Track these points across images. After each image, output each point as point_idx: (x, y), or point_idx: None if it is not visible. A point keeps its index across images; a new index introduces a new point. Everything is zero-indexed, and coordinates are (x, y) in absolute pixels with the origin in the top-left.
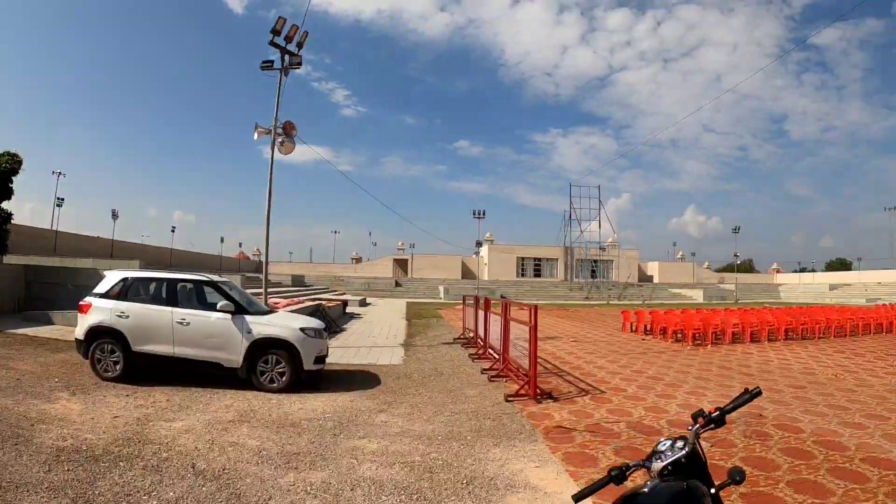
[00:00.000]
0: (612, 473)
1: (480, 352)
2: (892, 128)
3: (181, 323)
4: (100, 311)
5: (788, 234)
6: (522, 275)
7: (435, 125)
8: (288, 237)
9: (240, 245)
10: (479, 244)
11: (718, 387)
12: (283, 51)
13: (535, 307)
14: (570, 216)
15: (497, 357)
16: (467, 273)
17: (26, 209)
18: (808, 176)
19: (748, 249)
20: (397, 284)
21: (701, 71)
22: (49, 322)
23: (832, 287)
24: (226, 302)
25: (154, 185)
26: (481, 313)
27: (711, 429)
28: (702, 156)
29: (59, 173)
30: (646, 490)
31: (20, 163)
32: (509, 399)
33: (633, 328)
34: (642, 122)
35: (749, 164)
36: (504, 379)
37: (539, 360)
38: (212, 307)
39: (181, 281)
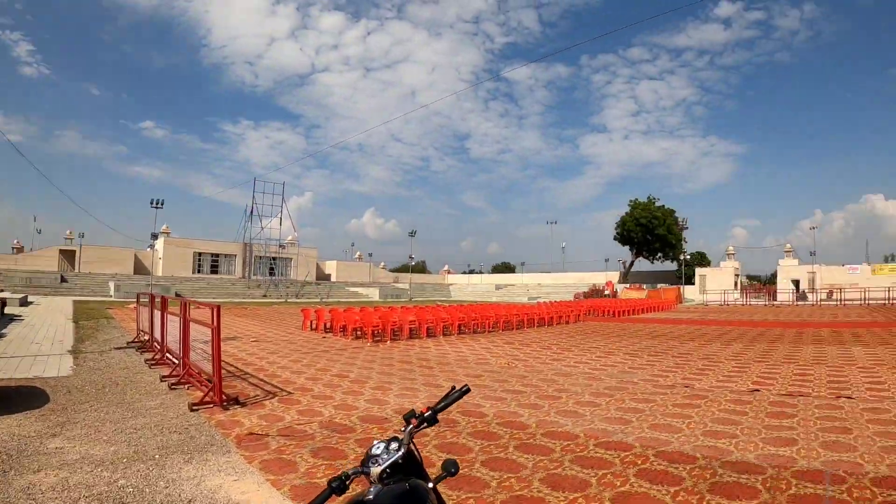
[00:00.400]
0: (333, 485)
1: (158, 357)
2: (559, 156)
3: None
4: None
5: (459, 240)
6: (199, 271)
7: (121, 100)
8: None
9: None
10: (154, 236)
11: (402, 380)
12: None
13: (218, 307)
14: (253, 212)
15: (177, 362)
16: (141, 268)
17: None
18: (482, 189)
19: (422, 252)
20: (63, 280)
21: (399, 84)
22: None
23: (498, 287)
24: None
25: None
26: (158, 314)
27: (424, 428)
28: (387, 162)
29: None
30: (371, 496)
31: None
32: (194, 408)
33: (314, 326)
34: (334, 125)
35: (430, 174)
36: (186, 386)
37: (221, 363)
38: None
39: None
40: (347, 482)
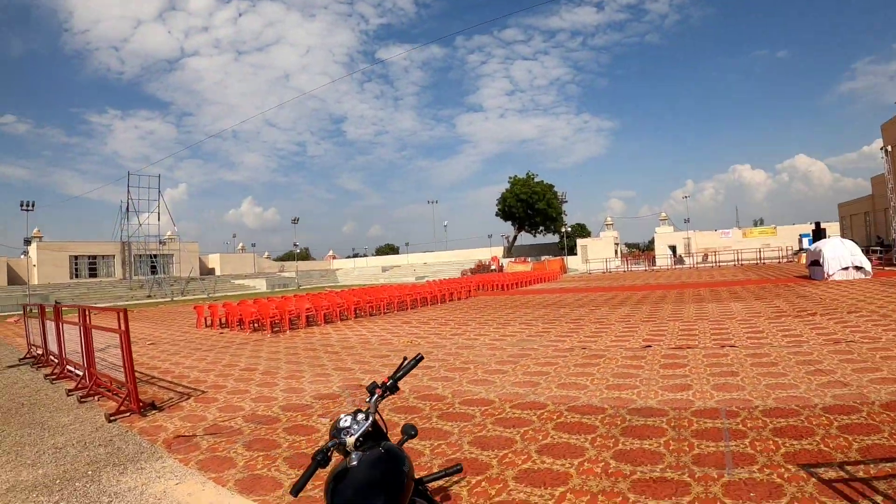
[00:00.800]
0: (318, 458)
1: (58, 371)
2: (436, 136)
3: None
4: None
5: (341, 224)
6: (77, 275)
7: None
8: None
9: None
10: (27, 242)
11: (311, 368)
12: None
13: (125, 311)
14: (128, 208)
15: (81, 374)
16: (14, 278)
17: None
18: (360, 172)
19: (305, 239)
20: None
21: (272, 67)
22: None
23: (384, 269)
24: None
25: None
26: (51, 325)
27: (387, 396)
28: (262, 149)
29: None
30: (354, 462)
31: None
32: (112, 418)
33: (208, 323)
34: (206, 111)
35: (307, 159)
36: (96, 397)
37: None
38: None
39: None
40: (329, 454)
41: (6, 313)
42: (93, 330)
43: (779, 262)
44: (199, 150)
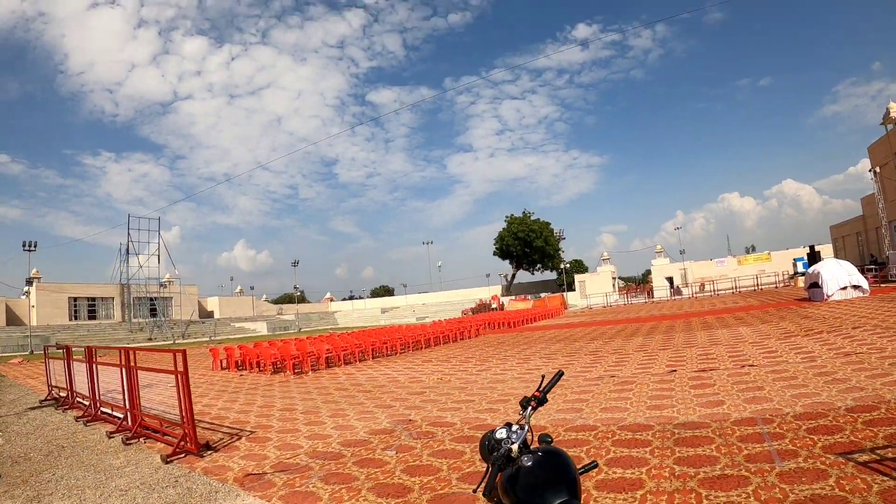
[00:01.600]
0: (498, 463)
1: (90, 413)
2: (427, 177)
3: None
4: None
5: (334, 267)
6: (76, 317)
7: None
8: None
9: None
10: (29, 282)
11: (350, 406)
12: None
13: (184, 352)
14: (128, 250)
15: (120, 416)
16: (13, 318)
17: None
18: (353, 214)
19: (298, 281)
20: None
21: (264, 111)
22: None
23: (384, 310)
24: None
25: None
26: (82, 367)
27: (537, 408)
28: (254, 192)
29: None
30: (528, 463)
31: None
32: (169, 460)
33: (224, 365)
34: (199, 155)
35: (299, 202)
36: (141, 440)
37: (162, 410)
38: None
39: None
40: (506, 458)
41: (7, 354)
42: (138, 371)
43: (776, 287)
44: (192, 194)
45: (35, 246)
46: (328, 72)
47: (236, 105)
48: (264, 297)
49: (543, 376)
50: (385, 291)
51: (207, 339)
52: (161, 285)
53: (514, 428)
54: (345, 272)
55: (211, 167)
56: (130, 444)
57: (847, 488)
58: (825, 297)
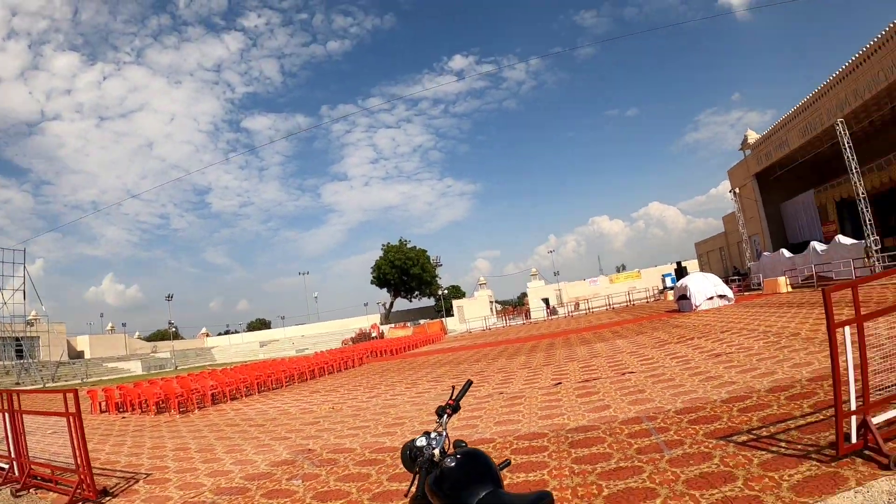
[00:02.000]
0: (425, 467)
1: None
2: (301, 206)
3: None
4: None
5: (207, 300)
6: None
7: None
8: None
9: None
10: None
11: (245, 441)
12: None
13: (75, 392)
14: None
15: (5, 467)
16: None
17: None
18: (226, 245)
19: (172, 316)
20: None
21: (135, 135)
22: None
23: (262, 344)
24: None
25: None
26: None
27: (452, 415)
28: (123, 222)
29: None
30: (452, 463)
31: None
32: None
33: (103, 408)
34: (66, 180)
35: (170, 232)
36: (31, 490)
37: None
38: None
39: None
40: (430, 463)
41: None
42: (23, 415)
43: (647, 302)
44: (57, 223)
45: None
46: (203, 95)
47: (106, 128)
48: (137, 333)
49: (454, 386)
50: (262, 324)
51: (80, 381)
52: (28, 323)
53: (433, 435)
54: (219, 306)
55: (77, 194)
56: (20, 495)
57: (731, 464)
58: (694, 307)
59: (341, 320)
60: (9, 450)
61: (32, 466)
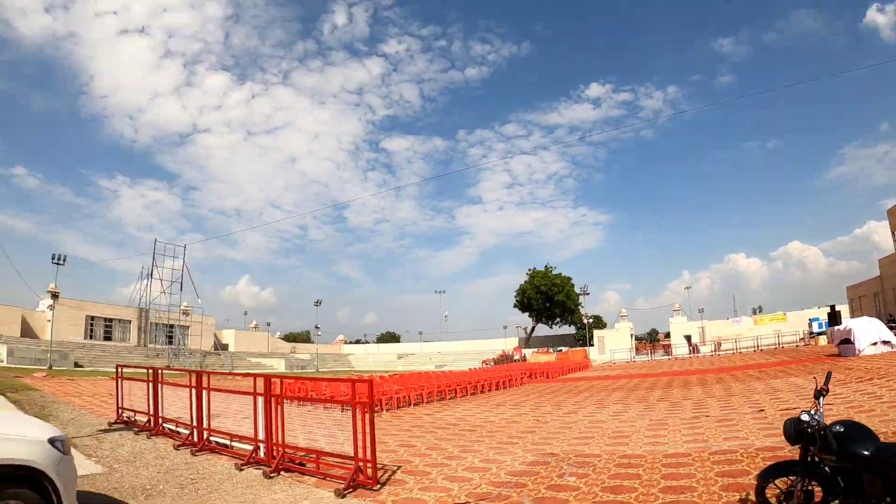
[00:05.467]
0: (820, 432)
1: (197, 442)
2: (435, 227)
3: None
4: None
5: (335, 310)
6: (92, 336)
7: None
8: None
9: None
10: (55, 296)
11: (474, 443)
12: None
13: (370, 381)
14: (151, 275)
15: (247, 448)
16: (28, 331)
17: None
18: (359, 259)
19: (299, 321)
20: None
21: (279, 150)
22: None
23: (400, 356)
24: None
25: None
26: (183, 391)
27: (825, 396)
28: (263, 229)
29: None
30: (841, 429)
31: None
32: (345, 493)
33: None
34: (212, 188)
35: (307, 242)
36: (282, 473)
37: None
38: None
39: None
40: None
41: (25, 367)
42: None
43: (797, 346)
44: (201, 225)
45: (64, 260)
46: (345, 116)
47: (253, 142)
48: (278, 334)
49: (830, 372)
50: (391, 337)
51: (228, 371)
52: (184, 313)
53: (813, 412)
54: (346, 316)
55: (223, 201)
56: (272, 477)
57: None
58: (857, 351)
59: (475, 340)
60: (256, 432)
61: (287, 450)
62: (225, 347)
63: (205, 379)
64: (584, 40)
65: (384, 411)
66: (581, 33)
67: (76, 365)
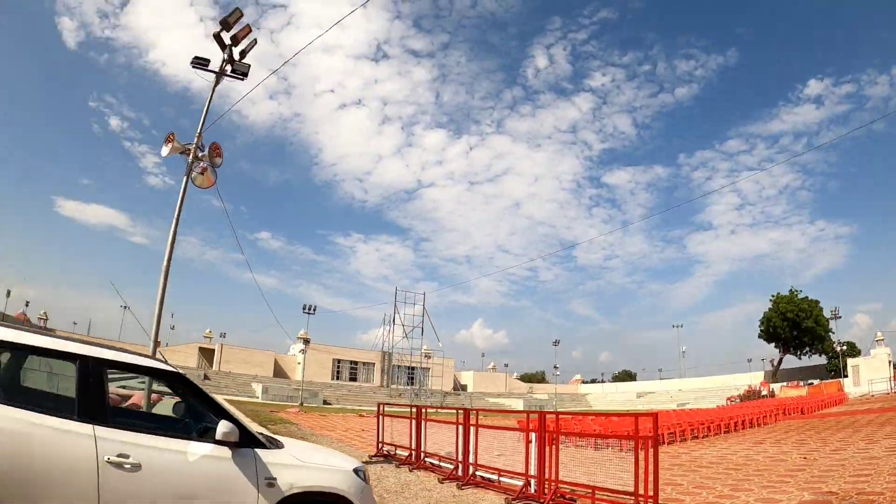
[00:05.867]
0: None
1: (463, 476)
2: (666, 258)
3: (120, 465)
4: None
5: (570, 348)
6: (338, 378)
7: (239, 212)
8: (68, 304)
9: (26, 304)
10: (306, 341)
11: (740, 481)
12: (224, 48)
13: (657, 415)
14: (393, 321)
15: (517, 482)
16: (279, 372)
17: None
18: (591, 297)
19: (535, 362)
20: (206, 378)
21: (502, 196)
22: None
23: (639, 395)
24: (228, 424)
25: None
26: (443, 428)
27: None
28: (494, 274)
29: None
30: None
31: None
32: None
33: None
34: (441, 237)
35: (538, 283)
36: None
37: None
38: (176, 428)
39: (114, 365)
40: None
41: (278, 402)
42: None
43: None
44: (434, 273)
45: (314, 310)
46: (562, 156)
47: (476, 191)
48: (515, 374)
49: None
50: (627, 376)
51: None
52: (426, 356)
53: None
54: (580, 355)
55: (452, 249)
56: None
57: None
58: None
59: (718, 376)
60: (527, 467)
61: (560, 485)
62: (464, 388)
63: (472, 416)
64: (789, 36)
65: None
66: (785, 29)
67: (324, 403)
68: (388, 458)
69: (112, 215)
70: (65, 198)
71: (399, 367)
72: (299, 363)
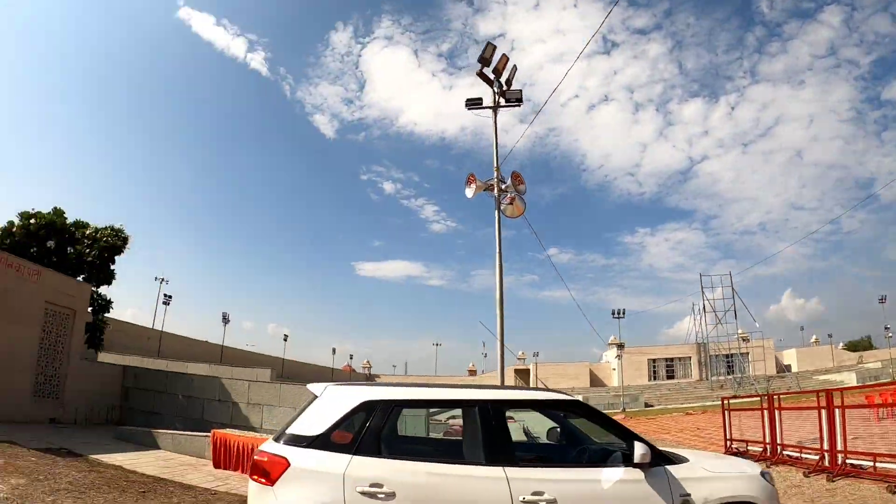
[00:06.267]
0: None
1: (831, 466)
2: None
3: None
4: (317, 479)
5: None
6: (654, 377)
7: (525, 235)
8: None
9: (350, 357)
10: (620, 346)
11: None
12: (491, 83)
13: None
14: (703, 309)
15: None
16: (595, 380)
17: (127, 315)
18: None
19: (856, 326)
20: None
21: (781, 149)
22: (152, 445)
23: None
24: (643, 445)
25: (246, 299)
26: (799, 416)
27: None
28: (792, 236)
29: (163, 279)
30: None
31: (126, 240)
32: None
33: None
34: (729, 211)
35: (842, 236)
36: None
37: None
38: (581, 457)
39: (517, 404)
40: None
41: (610, 411)
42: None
43: None
44: (729, 250)
45: (623, 314)
46: (831, 85)
47: (752, 151)
48: (840, 345)
49: None
50: None
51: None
52: (743, 339)
53: None
54: None
55: (743, 220)
56: (835, 481)
57: None
58: None
59: None
60: (821, 442)
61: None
62: (787, 368)
63: (835, 398)
64: None
65: None
66: None
67: (646, 405)
68: (740, 454)
69: (406, 266)
70: (363, 261)
71: (716, 356)
72: (614, 369)
